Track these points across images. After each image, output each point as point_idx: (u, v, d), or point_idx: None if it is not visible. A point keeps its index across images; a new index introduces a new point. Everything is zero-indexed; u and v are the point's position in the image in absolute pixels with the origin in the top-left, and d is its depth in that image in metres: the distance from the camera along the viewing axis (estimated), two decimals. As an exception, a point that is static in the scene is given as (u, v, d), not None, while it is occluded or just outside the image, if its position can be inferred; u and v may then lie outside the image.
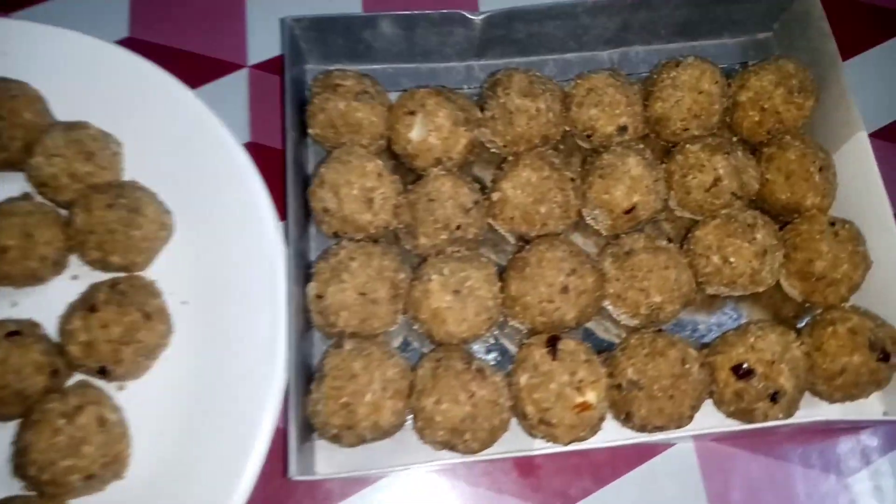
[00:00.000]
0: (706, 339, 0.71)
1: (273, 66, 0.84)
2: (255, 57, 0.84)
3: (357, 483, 0.67)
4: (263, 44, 0.85)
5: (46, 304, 0.67)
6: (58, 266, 0.68)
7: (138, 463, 0.63)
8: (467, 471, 0.68)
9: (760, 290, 0.69)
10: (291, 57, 0.75)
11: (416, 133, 0.72)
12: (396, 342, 0.71)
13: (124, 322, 0.61)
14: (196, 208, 0.72)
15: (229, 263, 0.69)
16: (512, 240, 0.73)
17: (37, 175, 0.67)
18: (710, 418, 0.66)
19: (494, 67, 0.81)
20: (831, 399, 0.67)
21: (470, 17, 0.76)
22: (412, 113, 0.72)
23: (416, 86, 0.79)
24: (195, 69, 0.83)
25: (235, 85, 0.83)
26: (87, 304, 0.61)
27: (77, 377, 0.65)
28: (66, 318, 0.63)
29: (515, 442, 0.65)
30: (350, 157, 0.69)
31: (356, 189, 0.68)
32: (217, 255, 0.70)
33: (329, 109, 0.71)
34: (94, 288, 0.63)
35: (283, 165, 0.71)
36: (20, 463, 0.58)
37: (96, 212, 0.65)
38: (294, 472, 0.58)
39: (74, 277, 0.70)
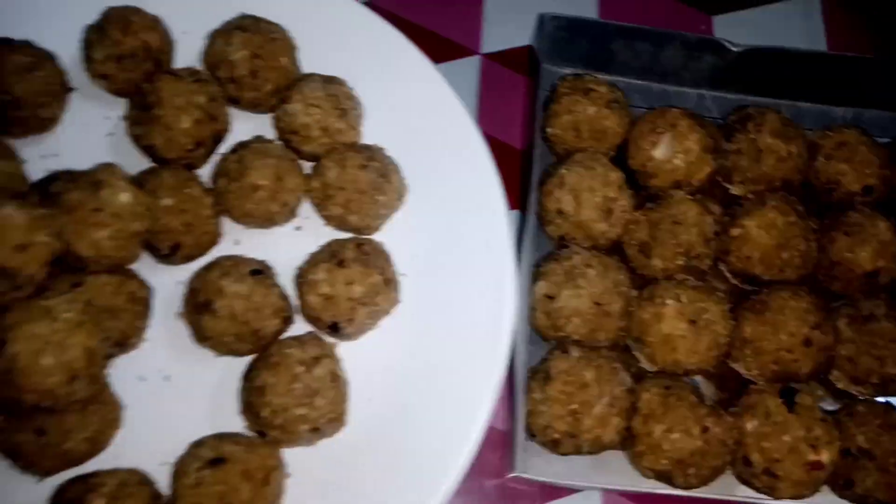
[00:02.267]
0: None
1: (505, 59, 0.83)
2: (488, 46, 0.84)
3: (547, 492, 0.66)
4: (498, 34, 0.84)
5: (266, 249, 0.66)
6: (291, 215, 0.67)
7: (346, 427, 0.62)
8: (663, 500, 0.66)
9: None
10: (543, 53, 0.74)
11: (660, 152, 0.70)
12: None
13: (367, 283, 0.60)
14: (425, 184, 0.70)
15: (453, 243, 0.68)
16: (732, 279, 0.71)
17: (289, 121, 0.67)
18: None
19: (726, 101, 0.80)
20: None
21: (728, 46, 0.75)
22: (660, 131, 0.70)
23: (646, 105, 0.79)
24: (427, 47, 0.82)
25: (465, 71, 0.82)
26: (334, 259, 0.61)
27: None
28: (309, 269, 0.61)
29: (715, 485, 0.63)
30: (594, 164, 0.68)
31: (598, 196, 0.67)
32: (441, 234, 0.68)
33: (577, 112, 0.71)
34: (340, 244, 0.63)
35: (506, 158, 0.70)
36: (253, 402, 0.57)
37: (350, 169, 0.64)
38: (519, 469, 0.57)
39: (298, 228, 0.69)
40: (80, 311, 0.52)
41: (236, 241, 0.68)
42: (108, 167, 0.58)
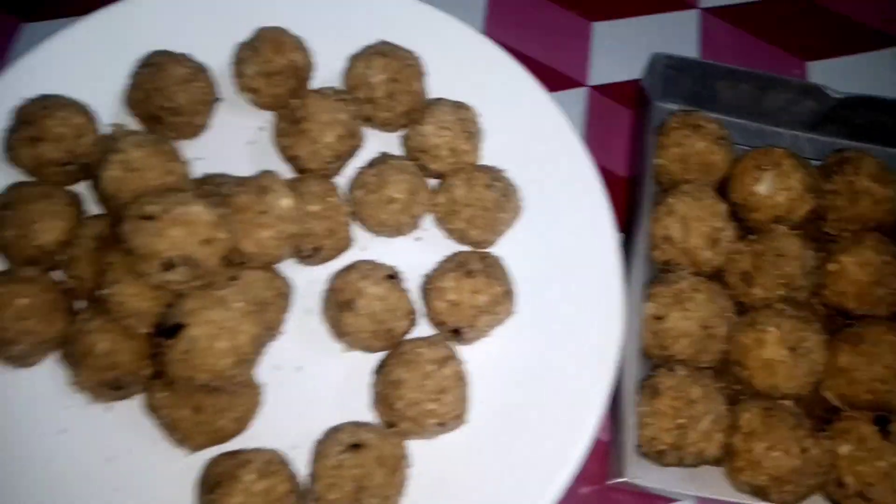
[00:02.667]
0: None
1: (611, 91, 0.88)
2: (595, 79, 0.89)
3: (643, 500, 0.70)
4: (604, 68, 0.90)
5: (390, 255, 0.71)
6: (415, 226, 0.73)
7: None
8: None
9: None
10: (653, 89, 0.79)
11: (764, 188, 0.75)
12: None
13: (490, 293, 0.65)
14: (538, 203, 0.75)
15: (563, 260, 0.72)
16: (823, 312, 0.75)
17: (420, 141, 0.73)
18: None
19: (819, 143, 0.84)
20: None
21: (829, 92, 0.79)
22: (765, 168, 0.75)
23: (743, 142, 0.83)
24: (538, 77, 0.87)
25: (573, 101, 0.87)
26: (462, 268, 0.66)
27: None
28: (438, 276, 0.67)
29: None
30: (702, 195, 0.73)
31: (706, 226, 0.71)
32: (552, 251, 0.73)
33: (686, 146, 0.75)
34: (466, 256, 0.68)
35: (609, 184, 0.74)
36: (388, 394, 0.62)
37: (477, 188, 0.69)
38: (630, 475, 0.62)
39: (418, 239, 0.75)
40: (249, 302, 0.58)
41: (363, 247, 0.74)
42: (270, 174, 0.64)
